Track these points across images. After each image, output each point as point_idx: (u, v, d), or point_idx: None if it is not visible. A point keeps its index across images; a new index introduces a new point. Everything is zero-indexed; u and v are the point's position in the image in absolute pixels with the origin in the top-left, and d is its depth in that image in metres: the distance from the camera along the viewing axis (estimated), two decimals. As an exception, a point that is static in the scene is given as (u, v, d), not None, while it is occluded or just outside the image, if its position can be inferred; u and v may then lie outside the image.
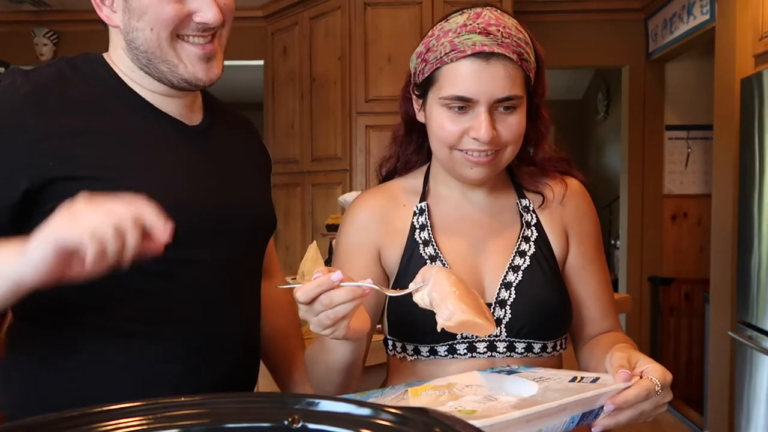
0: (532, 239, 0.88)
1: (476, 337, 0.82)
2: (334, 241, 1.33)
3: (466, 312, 0.65)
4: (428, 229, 0.88)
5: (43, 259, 0.61)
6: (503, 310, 0.84)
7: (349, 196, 1.26)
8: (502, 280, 0.85)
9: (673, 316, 3.70)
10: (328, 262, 1.33)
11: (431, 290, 0.67)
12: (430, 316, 0.79)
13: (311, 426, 0.41)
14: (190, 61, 0.80)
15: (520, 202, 0.91)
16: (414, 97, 0.88)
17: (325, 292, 0.65)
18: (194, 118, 0.88)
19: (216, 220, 0.83)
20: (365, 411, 0.42)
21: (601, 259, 0.94)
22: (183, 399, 0.44)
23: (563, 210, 0.91)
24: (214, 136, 0.90)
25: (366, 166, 3.04)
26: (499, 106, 0.80)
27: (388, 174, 0.97)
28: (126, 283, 0.76)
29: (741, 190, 2.34)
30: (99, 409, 0.42)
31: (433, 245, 0.87)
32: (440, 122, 0.82)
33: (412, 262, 0.86)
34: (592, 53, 3.76)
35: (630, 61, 3.74)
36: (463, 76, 0.79)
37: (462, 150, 0.82)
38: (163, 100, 0.84)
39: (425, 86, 0.84)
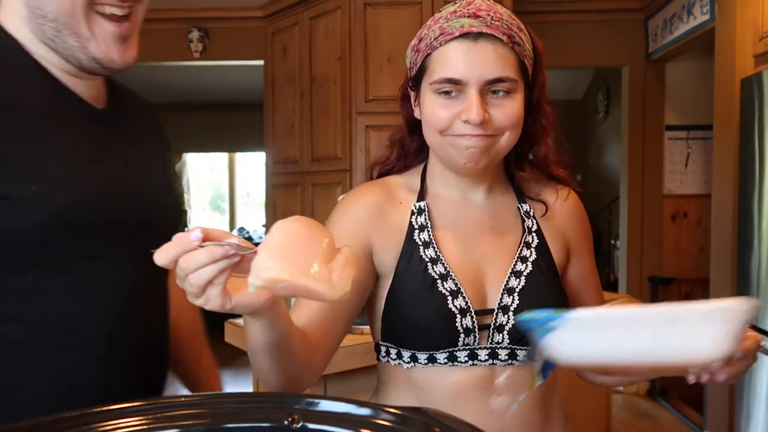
0: (533, 245, 0.86)
1: (478, 343, 0.80)
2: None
3: (276, 269, 0.52)
4: (428, 230, 0.84)
5: None
6: (506, 316, 0.81)
7: (349, 196, 1.25)
8: (505, 286, 0.82)
9: (673, 316, 3.70)
10: (328, 262, 1.33)
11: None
12: (432, 319, 0.78)
13: (311, 426, 0.41)
14: (104, 40, 0.72)
15: (521, 206, 0.89)
16: (411, 93, 0.87)
17: (185, 253, 0.56)
18: (101, 101, 0.80)
19: (124, 212, 0.76)
20: (365, 411, 0.42)
21: (596, 271, 0.96)
22: (183, 398, 0.44)
23: (563, 221, 0.90)
24: (121, 120, 0.82)
25: (366, 166, 3.04)
26: (490, 88, 0.78)
27: (381, 176, 0.93)
28: (29, 282, 0.69)
29: (741, 190, 2.34)
30: (99, 409, 0.42)
31: (434, 247, 0.83)
32: (432, 109, 0.80)
33: (411, 264, 0.82)
34: (592, 53, 3.76)
35: (630, 61, 3.74)
36: (452, 58, 0.78)
37: (454, 135, 0.79)
38: (71, 78, 0.75)
39: (419, 76, 0.83)
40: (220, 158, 6.84)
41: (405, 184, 0.89)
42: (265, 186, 3.80)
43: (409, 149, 0.92)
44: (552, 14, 3.67)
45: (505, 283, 0.83)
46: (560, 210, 0.90)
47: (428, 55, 0.80)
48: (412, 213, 0.86)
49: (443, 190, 0.88)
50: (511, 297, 0.82)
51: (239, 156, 6.73)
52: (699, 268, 3.63)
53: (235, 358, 4.20)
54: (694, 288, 3.61)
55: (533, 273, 0.83)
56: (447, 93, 0.79)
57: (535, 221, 0.88)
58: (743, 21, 2.46)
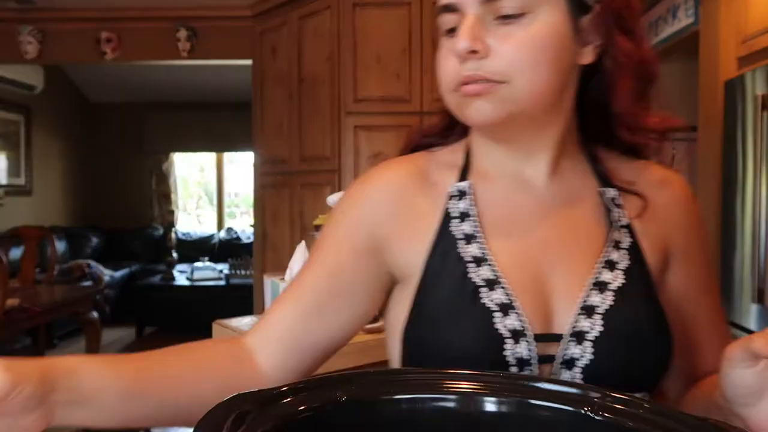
0: (624, 246, 0.62)
1: None
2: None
3: None
4: (473, 220, 0.62)
5: None
6: (581, 346, 0.57)
7: (337, 196, 1.26)
8: (582, 303, 0.59)
9: (659, 315, 3.72)
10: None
11: None
12: (471, 343, 0.57)
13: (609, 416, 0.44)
14: None
15: (604, 191, 0.65)
16: None
17: None
18: None
19: None
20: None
21: (716, 287, 0.71)
22: (502, 374, 0.51)
23: (665, 216, 0.65)
24: None
25: (354, 166, 3.04)
26: (496, 11, 0.57)
27: (417, 150, 0.72)
28: None
29: (724, 190, 2.38)
30: (445, 371, 0.50)
31: (479, 243, 0.61)
32: (439, 58, 0.62)
33: (445, 265, 0.60)
34: (579, 55, 3.78)
35: (616, 63, 3.76)
36: None
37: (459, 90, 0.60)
38: None
39: None
40: (209, 158, 6.80)
41: (445, 160, 0.68)
42: (254, 186, 3.78)
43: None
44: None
45: (583, 298, 0.59)
46: (660, 200, 0.66)
47: None
48: (451, 197, 0.64)
49: (492, 167, 0.66)
50: (591, 320, 0.58)
51: (227, 156, 6.70)
52: (684, 268, 3.67)
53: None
54: (679, 287, 3.65)
55: (626, 288, 0.60)
56: (452, 30, 0.60)
57: (624, 213, 0.64)
58: (727, 24, 2.49)
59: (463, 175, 0.66)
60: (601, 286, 0.60)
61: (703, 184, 2.73)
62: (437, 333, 0.58)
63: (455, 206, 0.64)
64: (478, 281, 0.59)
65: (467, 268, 0.60)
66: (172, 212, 5.75)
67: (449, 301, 0.59)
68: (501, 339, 0.57)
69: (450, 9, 0.59)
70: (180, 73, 5.30)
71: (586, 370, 0.57)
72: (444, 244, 0.62)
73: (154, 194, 6.44)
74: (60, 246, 5.08)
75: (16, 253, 4.11)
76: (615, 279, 0.60)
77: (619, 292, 0.59)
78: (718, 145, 2.49)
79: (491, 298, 0.58)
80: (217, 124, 6.19)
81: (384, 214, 0.64)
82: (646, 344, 0.59)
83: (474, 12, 0.57)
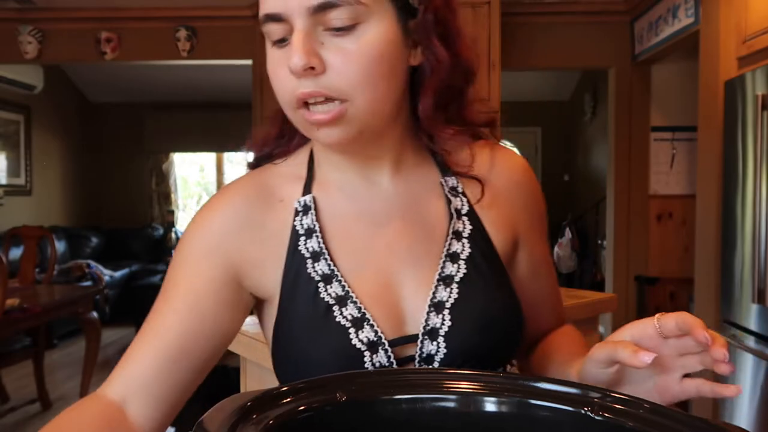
0: (466, 234, 0.63)
1: None
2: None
3: None
4: (317, 236, 0.62)
5: None
6: (435, 342, 0.58)
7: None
8: (431, 300, 0.60)
9: (659, 315, 3.73)
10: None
11: None
12: (331, 360, 0.57)
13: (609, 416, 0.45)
14: None
15: (445, 181, 0.65)
16: None
17: None
18: None
19: None
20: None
21: (551, 262, 0.74)
22: (502, 374, 0.51)
23: (508, 198, 0.67)
24: None
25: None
26: (326, 22, 0.54)
27: (260, 163, 0.70)
28: None
29: (725, 190, 2.38)
30: (445, 371, 0.51)
31: (326, 259, 0.61)
32: (271, 69, 0.58)
33: (298, 286, 0.60)
34: (578, 55, 3.79)
35: (616, 63, 3.77)
36: None
37: (302, 108, 0.56)
38: None
39: None
40: (209, 158, 6.80)
41: (289, 172, 0.66)
42: (254, 186, 3.78)
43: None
44: (539, 16, 3.69)
45: (431, 296, 0.60)
46: (500, 182, 0.67)
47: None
48: (297, 213, 0.63)
49: (335, 174, 0.65)
50: (441, 315, 0.59)
51: (227, 156, 6.70)
52: (683, 268, 3.68)
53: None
54: (679, 288, 3.66)
55: (468, 277, 0.61)
56: (281, 41, 0.56)
57: (465, 200, 0.65)
58: (727, 24, 2.49)
59: (308, 187, 0.64)
60: (446, 280, 0.61)
61: (702, 183, 2.73)
62: (299, 350, 0.59)
63: (301, 222, 0.63)
64: (330, 300, 0.59)
65: (318, 287, 0.60)
66: (172, 212, 5.75)
67: (305, 321, 0.59)
68: (359, 352, 0.57)
69: (275, 19, 0.55)
70: (180, 73, 5.30)
71: (443, 364, 0.59)
72: (295, 264, 0.61)
73: (154, 194, 6.44)
74: (60, 246, 5.08)
75: (16, 253, 4.11)
76: (458, 270, 0.61)
77: (462, 283, 0.60)
78: (718, 145, 2.49)
79: (344, 315, 0.58)
80: (217, 124, 6.19)
81: (233, 241, 0.62)
82: (496, 329, 0.60)
83: (303, 25, 0.54)
